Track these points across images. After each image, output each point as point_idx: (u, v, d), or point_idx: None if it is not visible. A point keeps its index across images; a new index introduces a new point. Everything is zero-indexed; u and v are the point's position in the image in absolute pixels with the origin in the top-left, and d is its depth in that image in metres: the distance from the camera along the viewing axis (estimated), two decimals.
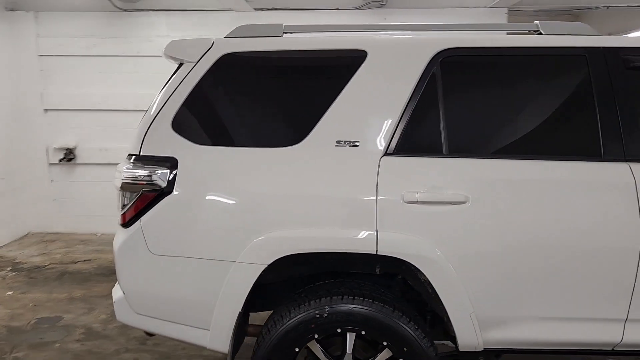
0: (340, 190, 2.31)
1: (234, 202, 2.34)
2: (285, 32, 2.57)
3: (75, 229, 6.84)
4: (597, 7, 6.45)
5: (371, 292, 2.40)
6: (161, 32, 6.47)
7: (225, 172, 2.36)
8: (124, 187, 2.39)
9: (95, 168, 6.73)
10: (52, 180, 6.80)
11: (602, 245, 2.26)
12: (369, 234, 2.26)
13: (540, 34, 2.51)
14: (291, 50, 2.48)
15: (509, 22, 6.26)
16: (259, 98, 2.50)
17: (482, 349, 2.38)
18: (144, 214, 2.38)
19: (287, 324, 2.32)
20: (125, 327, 3.99)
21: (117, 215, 2.46)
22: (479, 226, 2.27)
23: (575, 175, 2.30)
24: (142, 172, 2.36)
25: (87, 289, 4.84)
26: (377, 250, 2.26)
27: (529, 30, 2.54)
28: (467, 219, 2.27)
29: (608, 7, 6.30)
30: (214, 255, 2.34)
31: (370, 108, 2.38)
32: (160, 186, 2.35)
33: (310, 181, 2.33)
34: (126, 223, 2.41)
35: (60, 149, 6.66)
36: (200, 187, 2.36)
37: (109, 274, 5.23)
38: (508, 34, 2.62)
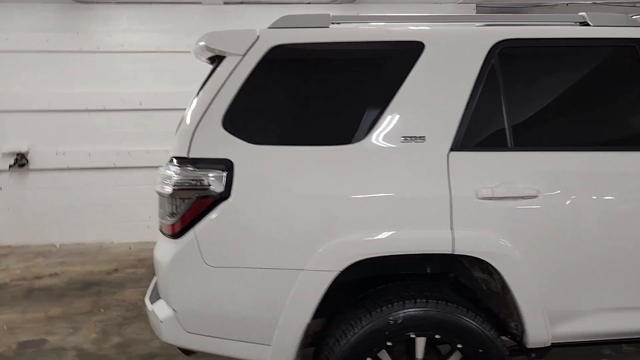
0: (412, 188, 2.20)
1: (298, 205, 2.17)
2: (333, 23, 2.41)
3: (29, 241, 6.27)
4: (556, 4, 6.71)
5: (440, 294, 2.31)
6: (122, 26, 6.05)
7: (287, 174, 2.18)
8: (175, 193, 2.15)
9: (51, 174, 6.21)
10: (0, 189, 6.19)
11: None
12: (444, 233, 2.17)
13: (588, 25, 2.51)
14: (345, 42, 2.33)
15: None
16: (313, 93, 2.33)
17: (550, 345, 2.36)
18: (197, 222, 2.15)
19: (359, 332, 2.18)
20: (124, 345, 3.68)
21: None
22: (550, 220, 2.24)
23: (631, 167, 2.32)
24: (196, 177, 2.14)
25: (64, 306, 4.43)
26: (453, 250, 2.17)
27: (576, 22, 2.54)
28: (538, 213, 2.22)
29: (567, 4, 6.57)
30: (279, 265, 2.16)
31: (433, 102, 2.28)
32: (217, 191, 2.13)
33: (380, 180, 2.20)
34: (177, 233, 2.17)
35: (10, 153, 6.08)
36: (259, 191, 2.16)
37: (84, 288, 4.82)
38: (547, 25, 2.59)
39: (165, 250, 2.24)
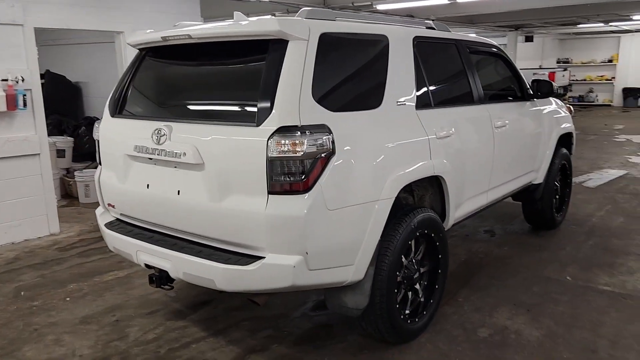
0: (412, 135, 3.27)
1: (370, 154, 2.92)
2: (337, 18, 3.14)
3: None
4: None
5: (417, 206, 3.49)
6: None
7: (357, 132, 2.89)
8: (307, 155, 2.58)
9: None
10: None
11: (483, 148, 4.10)
12: (429, 162, 3.34)
13: (434, 29, 4.02)
14: (355, 33, 3.13)
15: (202, 6, 7.15)
16: (349, 71, 3.04)
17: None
18: (319, 177, 2.64)
19: (399, 239, 3.12)
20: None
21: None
22: (456, 147, 3.69)
23: (470, 114, 4.03)
24: (320, 139, 2.62)
25: None
26: (434, 173, 3.38)
27: (427, 27, 4.01)
28: (454, 144, 3.65)
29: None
30: (366, 199, 2.89)
31: (402, 76, 3.36)
32: (330, 150, 2.68)
33: (400, 131, 3.19)
34: (307, 188, 2.61)
35: None
36: (348, 146, 2.80)
37: None
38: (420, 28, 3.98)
39: (292, 205, 2.61)
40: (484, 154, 4.12)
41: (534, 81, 4.93)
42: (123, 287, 4.38)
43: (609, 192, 7.26)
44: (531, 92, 4.95)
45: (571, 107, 6.06)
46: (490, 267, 4.69)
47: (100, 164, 3.56)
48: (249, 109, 2.80)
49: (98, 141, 3.52)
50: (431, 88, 3.61)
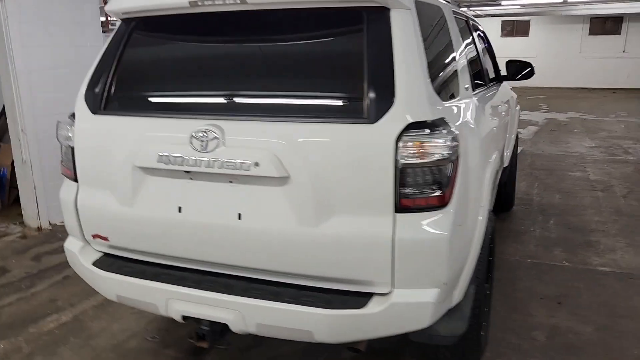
0: (486, 126, 2.86)
1: (473, 153, 2.40)
2: None
3: None
4: None
5: None
6: None
7: (461, 126, 2.34)
8: (445, 159, 1.99)
9: None
10: None
11: (499, 134, 3.79)
12: (498, 155, 2.94)
13: (459, 5, 3.59)
14: (429, 4, 2.55)
15: None
16: (436, 51, 2.46)
17: None
18: (454, 186, 2.07)
19: (487, 248, 2.67)
20: None
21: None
22: (493, 135, 3.30)
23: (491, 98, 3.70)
24: (453, 139, 2.03)
25: None
26: (503, 164, 2.98)
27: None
28: (493, 131, 3.27)
29: None
30: (476, 206, 2.38)
31: (459, 59, 2.87)
32: (459, 152, 2.11)
33: (481, 122, 2.73)
34: (447, 202, 2.01)
35: None
36: (463, 146, 2.24)
37: None
38: None
39: (429, 225, 1.99)
40: (499, 142, 3.84)
41: (508, 62, 4.78)
42: (80, 336, 3.31)
43: (524, 170, 7.59)
44: (503, 74, 4.80)
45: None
46: None
47: (76, 180, 2.52)
48: (349, 100, 2.10)
49: (72, 148, 2.48)
50: (471, 70, 3.18)
